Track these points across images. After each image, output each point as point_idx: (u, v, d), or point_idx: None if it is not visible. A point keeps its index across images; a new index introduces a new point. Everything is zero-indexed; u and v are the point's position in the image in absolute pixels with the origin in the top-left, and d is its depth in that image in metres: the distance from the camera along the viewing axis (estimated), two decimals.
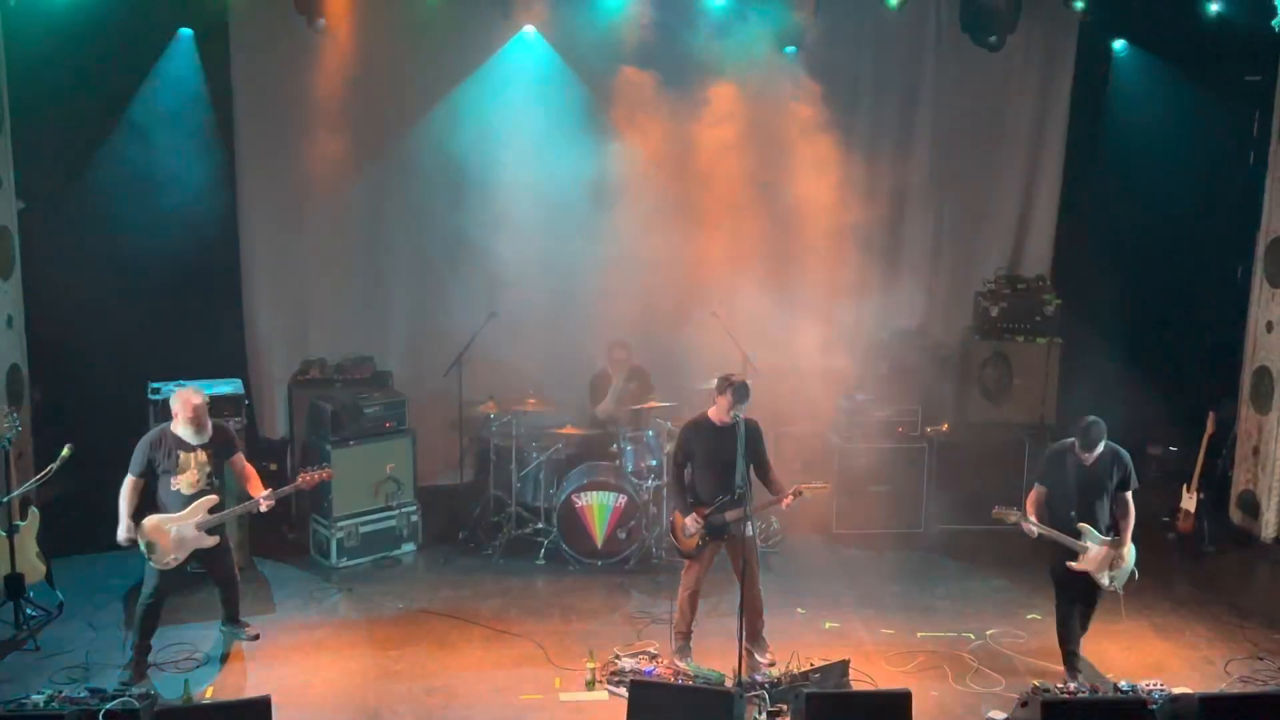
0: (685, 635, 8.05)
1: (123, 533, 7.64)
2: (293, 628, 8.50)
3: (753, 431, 7.80)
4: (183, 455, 7.73)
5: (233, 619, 8.27)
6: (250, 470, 8.09)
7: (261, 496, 7.82)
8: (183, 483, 7.72)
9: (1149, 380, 10.39)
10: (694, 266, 10.79)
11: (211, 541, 7.83)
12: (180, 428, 7.71)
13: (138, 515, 7.66)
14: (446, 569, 9.58)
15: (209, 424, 7.80)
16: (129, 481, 7.68)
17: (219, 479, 7.92)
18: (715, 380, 8.00)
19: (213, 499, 7.80)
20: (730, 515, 7.76)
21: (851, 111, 11.05)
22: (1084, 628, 8.10)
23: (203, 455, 7.78)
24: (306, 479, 8.03)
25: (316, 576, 9.45)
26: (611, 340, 10.56)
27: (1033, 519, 7.82)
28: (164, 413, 8.11)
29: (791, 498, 7.77)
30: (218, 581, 8.18)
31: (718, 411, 7.82)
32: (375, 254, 11.01)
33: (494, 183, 10.51)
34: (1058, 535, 7.80)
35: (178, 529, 7.68)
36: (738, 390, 7.71)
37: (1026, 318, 11.18)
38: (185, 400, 7.72)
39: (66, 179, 9.89)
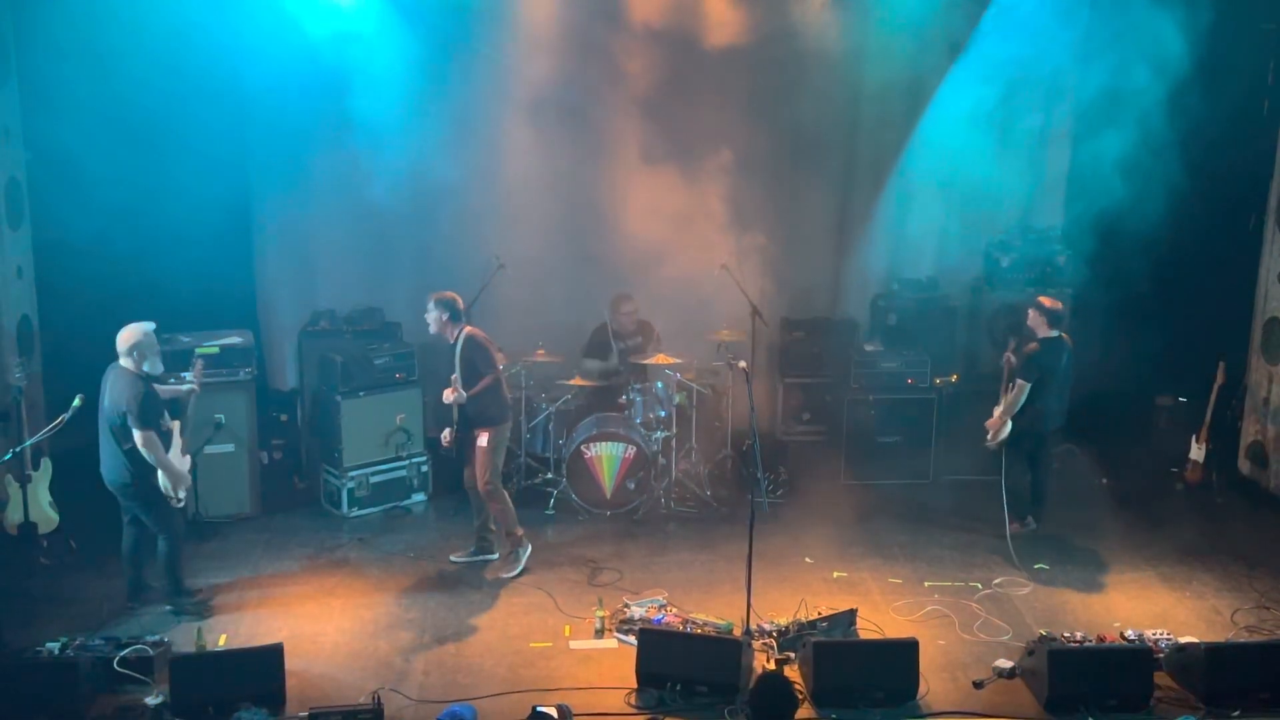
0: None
1: (185, 480, 7.72)
2: (304, 577, 8.58)
3: (464, 344, 8.46)
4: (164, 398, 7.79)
5: (176, 586, 7.90)
6: None
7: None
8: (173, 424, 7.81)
9: (1159, 330, 10.35)
10: (702, 217, 10.73)
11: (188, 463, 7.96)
12: (149, 363, 7.54)
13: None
14: (456, 519, 9.60)
15: None
16: (151, 436, 7.47)
17: None
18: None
19: (176, 423, 7.86)
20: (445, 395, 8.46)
21: (861, 55, 10.93)
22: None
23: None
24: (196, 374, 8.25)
25: (327, 526, 9.52)
26: (616, 294, 10.41)
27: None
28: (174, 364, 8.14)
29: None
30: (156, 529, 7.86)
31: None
32: (383, 205, 10.94)
33: (498, 130, 10.48)
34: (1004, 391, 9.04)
35: (179, 461, 7.76)
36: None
37: (1037, 268, 11.12)
38: (142, 331, 7.56)
39: (74, 128, 9.83)
